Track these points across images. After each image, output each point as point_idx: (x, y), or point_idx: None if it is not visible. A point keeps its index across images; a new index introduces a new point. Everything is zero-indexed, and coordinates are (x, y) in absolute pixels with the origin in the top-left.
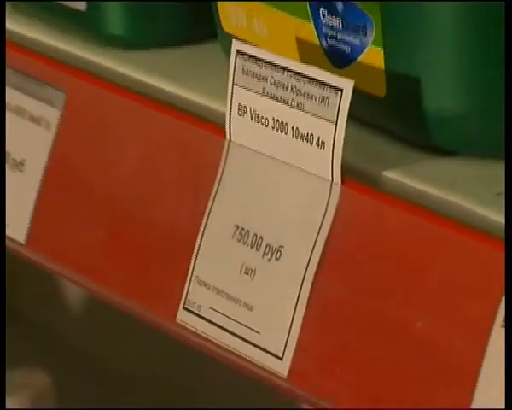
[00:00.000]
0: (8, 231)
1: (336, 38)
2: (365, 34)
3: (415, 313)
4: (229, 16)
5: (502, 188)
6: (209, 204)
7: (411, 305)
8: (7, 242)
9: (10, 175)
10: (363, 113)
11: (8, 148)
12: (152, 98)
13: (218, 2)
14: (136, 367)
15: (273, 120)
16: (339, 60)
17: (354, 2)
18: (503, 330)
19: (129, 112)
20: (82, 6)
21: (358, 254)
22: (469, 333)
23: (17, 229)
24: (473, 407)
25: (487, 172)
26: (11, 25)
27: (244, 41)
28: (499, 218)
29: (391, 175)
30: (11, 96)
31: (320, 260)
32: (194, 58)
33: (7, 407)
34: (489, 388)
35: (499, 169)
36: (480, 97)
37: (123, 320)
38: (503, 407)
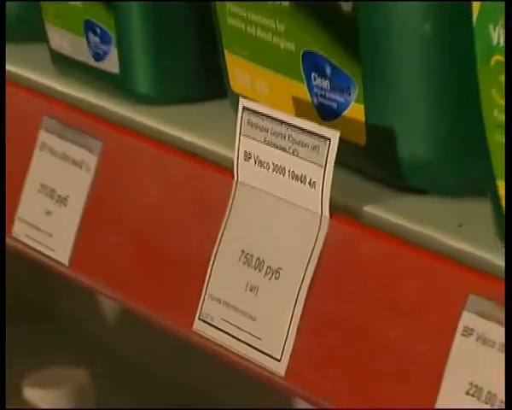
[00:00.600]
0: (54, 255)
1: (325, 97)
2: (349, 93)
3: (390, 325)
4: (237, 78)
5: (463, 220)
6: (220, 233)
7: (387, 317)
8: (53, 263)
9: (56, 208)
10: (347, 158)
11: (54, 186)
12: (173, 146)
13: (228, 67)
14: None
15: (273, 164)
16: (327, 114)
17: (340, 67)
18: (463, 338)
19: (154, 157)
20: (116, 69)
21: (343, 275)
22: (435, 341)
23: (62, 253)
24: (437, 406)
25: (452, 207)
26: (58, 85)
27: (249, 99)
28: (460, 245)
29: (370, 210)
30: (58, 143)
31: (312, 280)
32: (208, 113)
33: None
34: (452, 388)
35: (462, 205)
36: (446, 147)
37: (149, 326)
38: (464, 406)
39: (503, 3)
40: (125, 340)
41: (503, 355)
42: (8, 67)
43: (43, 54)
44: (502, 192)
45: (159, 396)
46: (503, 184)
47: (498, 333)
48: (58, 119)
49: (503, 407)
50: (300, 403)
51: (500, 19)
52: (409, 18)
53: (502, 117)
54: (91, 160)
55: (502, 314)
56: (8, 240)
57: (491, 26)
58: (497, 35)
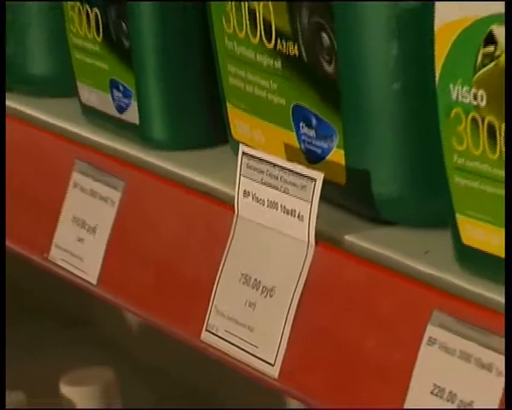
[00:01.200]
0: (85, 276)
1: (311, 144)
2: (331, 141)
3: (368, 336)
4: (237, 128)
5: (429, 248)
6: (223, 258)
7: (365, 330)
8: (84, 283)
9: (87, 236)
10: (330, 195)
11: (85, 217)
12: (184, 185)
13: (230, 118)
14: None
15: (268, 200)
16: (313, 158)
17: (324, 119)
18: (428, 347)
19: (168, 194)
20: (136, 120)
21: (327, 293)
22: (405, 349)
23: (91, 275)
24: (406, 404)
25: (419, 237)
26: (88, 133)
27: (247, 145)
28: (426, 269)
29: (350, 239)
30: (88, 182)
31: (300, 298)
32: (213, 157)
33: (85, 394)
34: (419, 389)
35: (428, 235)
36: (414, 186)
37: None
38: (429, 403)
39: (461, 66)
40: (145, 345)
41: (461, 361)
42: (46, 118)
43: (74, 107)
44: (460, 224)
45: (172, 391)
46: (461, 216)
47: (457, 342)
48: (88, 162)
49: (462, 405)
50: (292, 401)
51: (458, 79)
52: (381, 79)
53: (460, 161)
54: (116, 196)
55: (460, 327)
56: (44, 262)
57: (451, 85)
58: (456, 92)
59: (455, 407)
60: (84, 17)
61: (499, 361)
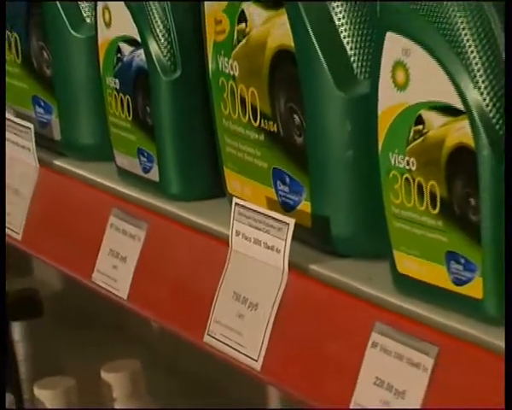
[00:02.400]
0: (118, 293)
1: (286, 197)
2: (301, 195)
3: (329, 341)
4: (231, 185)
5: (373, 275)
6: (221, 280)
7: (327, 336)
8: (119, 299)
9: (120, 264)
10: (300, 235)
11: (118, 249)
12: (193, 227)
13: (226, 177)
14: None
15: (253, 238)
16: (287, 208)
17: (295, 178)
18: (372, 349)
19: (180, 233)
20: (157, 178)
21: (297, 308)
22: (355, 351)
23: (122, 291)
24: (355, 391)
25: (366, 266)
26: (120, 187)
27: (238, 198)
28: (370, 290)
29: (314, 268)
30: (121, 224)
31: (277, 311)
32: (214, 206)
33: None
34: (365, 380)
35: (373, 265)
36: (363, 228)
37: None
38: (372, 392)
39: (397, 139)
40: (164, 343)
41: (396, 360)
42: (90, 176)
43: (112, 169)
44: (396, 257)
45: (185, 378)
46: (397, 252)
47: (394, 346)
48: (121, 209)
49: (397, 393)
50: (272, 390)
51: (395, 149)
52: (338, 149)
53: (396, 210)
54: (141, 234)
55: (396, 335)
56: (90, 283)
57: (390, 154)
58: (394, 159)
59: (391, 394)
60: (119, 102)
61: (425, 361)
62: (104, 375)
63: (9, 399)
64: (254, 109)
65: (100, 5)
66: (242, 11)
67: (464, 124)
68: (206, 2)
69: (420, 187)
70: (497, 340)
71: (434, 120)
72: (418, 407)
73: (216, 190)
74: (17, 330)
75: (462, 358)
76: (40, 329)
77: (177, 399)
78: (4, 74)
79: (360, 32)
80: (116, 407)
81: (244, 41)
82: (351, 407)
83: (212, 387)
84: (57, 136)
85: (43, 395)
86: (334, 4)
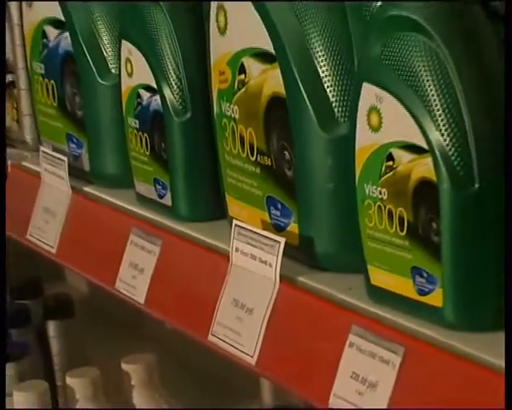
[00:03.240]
0: (136, 298)
1: (278, 220)
2: (290, 218)
3: (314, 340)
4: (231, 209)
5: (352, 286)
6: (222, 289)
7: (310, 336)
8: (137, 303)
9: (138, 275)
10: (289, 252)
11: (136, 262)
12: (199, 244)
13: (227, 202)
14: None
15: (250, 254)
16: (278, 229)
17: (286, 205)
18: (349, 348)
19: (189, 249)
20: (169, 203)
21: (286, 312)
22: (335, 350)
23: (140, 297)
24: (335, 383)
25: (346, 278)
26: (139, 210)
27: (238, 220)
28: (348, 298)
29: (300, 279)
30: (139, 241)
31: (270, 315)
32: (217, 226)
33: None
34: (343, 374)
35: (352, 277)
36: (342, 246)
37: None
38: (349, 384)
39: (371, 173)
40: (176, 341)
41: (370, 358)
42: (113, 200)
43: (132, 195)
44: (370, 271)
45: (194, 371)
46: (370, 266)
47: (367, 346)
48: (139, 227)
49: (370, 385)
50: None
51: (370, 181)
52: (321, 180)
53: (370, 232)
54: (156, 250)
55: (369, 336)
56: (114, 290)
57: (365, 185)
58: (368, 189)
59: (365, 386)
60: (139, 139)
61: (393, 358)
62: (124, 366)
63: (44, 386)
64: (251, 146)
65: (123, 58)
66: (242, 64)
67: (428, 161)
68: (212, 57)
69: (390, 213)
70: (455, 342)
71: (403, 157)
72: (387, 398)
73: (218, 213)
74: (52, 328)
75: (425, 357)
76: (71, 327)
77: (185, 386)
78: (4, 74)
79: (340, 82)
80: (134, 392)
81: (243, 89)
82: (331, 396)
83: (214, 377)
84: (87, 167)
85: (74, 382)
86: (319, 59)
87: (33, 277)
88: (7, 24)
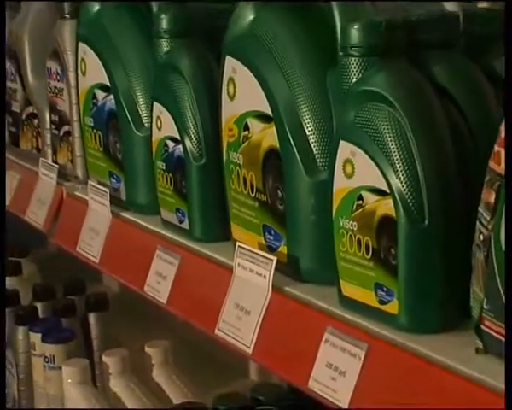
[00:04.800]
0: (160, 299)
1: (271, 243)
2: (281, 242)
3: (295, 337)
4: (235, 233)
5: (327, 295)
6: (227, 294)
7: (294, 334)
8: (159, 303)
9: (162, 281)
10: (279, 267)
11: (160, 271)
12: (209, 259)
13: (232, 228)
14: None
15: (249, 269)
16: (271, 250)
17: (278, 232)
18: (324, 344)
19: (201, 263)
20: (187, 226)
21: (276, 315)
22: (313, 345)
23: (163, 298)
24: (313, 370)
25: (322, 289)
26: (162, 231)
27: (240, 242)
28: (324, 305)
29: (287, 288)
30: (163, 255)
31: (264, 316)
32: (224, 246)
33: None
34: (320, 364)
35: (327, 288)
36: (320, 264)
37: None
38: (324, 372)
39: (345, 209)
40: (188, 331)
41: (341, 352)
42: (143, 223)
43: (158, 220)
44: (341, 284)
45: (203, 355)
46: (342, 280)
47: (339, 343)
48: (163, 245)
49: (341, 373)
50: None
51: (344, 215)
52: (305, 213)
53: (343, 255)
54: (176, 262)
55: (341, 335)
56: (142, 292)
57: (340, 218)
58: (342, 222)
59: (337, 373)
60: (165, 178)
61: (359, 352)
62: (147, 349)
63: (86, 362)
64: (252, 186)
65: (154, 115)
66: (246, 123)
67: (389, 201)
68: (223, 116)
69: (359, 241)
70: (407, 341)
71: (370, 198)
72: (354, 382)
73: (225, 236)
74: (92, 318)
75: (383, 352)
76: (106, 318)
77: (192, 366)
78: (4, 75)
79: (322, 139)
80: (154, 370)
81: (247, 142)
82: (310, 380)
83: (215, 359)
84: (123, 197)
85: (108, 360)
86: (306, 121)
87: (79, 279)
88: (65, 87)
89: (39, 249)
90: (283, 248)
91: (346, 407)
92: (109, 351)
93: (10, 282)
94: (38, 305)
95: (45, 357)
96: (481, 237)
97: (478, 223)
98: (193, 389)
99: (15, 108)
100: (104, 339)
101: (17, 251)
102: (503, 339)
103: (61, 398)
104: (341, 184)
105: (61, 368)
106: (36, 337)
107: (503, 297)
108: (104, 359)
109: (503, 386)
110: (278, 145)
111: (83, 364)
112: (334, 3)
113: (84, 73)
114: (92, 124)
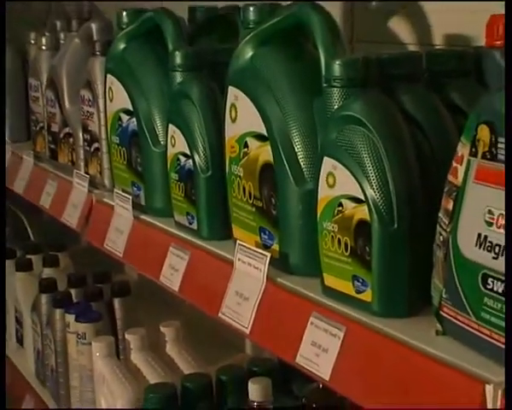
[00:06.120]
0: (172, 287)
1: (266, 241)
2: (274, 240)
3: (285, 320)
4: (236, 233)
5: (312, 285)
6: (229, 284)
7: (284, 318)
8: (173, 292)
9: (174, 273)
10: (272, 262)
11: (173, 264)
12: (214, 255)
13: (233, 229)
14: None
15: (248, 263)
16: (266, 247)
17: (271, 232)
18: (310, 326)
19: (207, 258)
20: (196, 228)
21: (270, 302)
22: (300, 327)
23: (175, 287)
24: (300, 348)
25: (309, 280)
26: (174, 230)
27: (240, 240)
28: (310, 294)
29: (279, 279)
30: (177, 252)
31: (259, 302)
32: (226, 244)
33: (168, 330)
34: (306, 343)
35: (313, 279)
36: (306, 259)
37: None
38: (309, 350)
39: (328, 214)
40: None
41: (323, 332)
42: (159, 224)
43: (171, 221)
44: (324, 276)
45: (208, 335)
46: (324, 273)
47: (322, 325)
48: (176, 244)
49: (323, 350)
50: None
51: (326, 218)
52: (295, 217)
53: (326, 252)
54: (186, 257)
55: (324, 318)
56: (159, 282)
57: (323, 221)
58: (326, 224)
59: (320, 350)
60: (178, 187)
61: (339, 333)
62: (161, 328)
63: (111, 339)
64: (250, 194)
65: (169, 134)
66: (246, 142)
67: (364, 208)
68: (226, 136)
69: (339, 240)
70: (379, 324)
71: (348, 205)
72: (335, 358)
73: (227, 235)
74: (116, 302)
75: (359, 333)
76: (128, 302)
77: (198, 342)
78: (4, 74)
79: (309, 156)
80: (167, 345)
81: (246, 158)
82: (297, 355)
83: (216, 337)
84: (143, 202)
85: (129, 337)
86: (295, 140)
87: (106, 270)
88: (95, 111)
89: (73, 246)
90: (276, 246)
91: (328, 378)
92: (131, 330)
93: (49, 272)
94: (72, 291)
95: (78, 334)
96: (441, 238)
97: (438, 226)
98: (199, 361)
99: (54, 128)
100: (126, 320)
101: (55, 247)
102: (459, 323)
103: (90, 368)
104: (325, 193)
105: (90, 343)
106: (70, 318)
107: (459, 288)
108: (126, 336)
109: (458, 361)
110: (272, 160)
111: (109, 340)
112: (319, 43)
113: (111, 100)
114: (118, 142)
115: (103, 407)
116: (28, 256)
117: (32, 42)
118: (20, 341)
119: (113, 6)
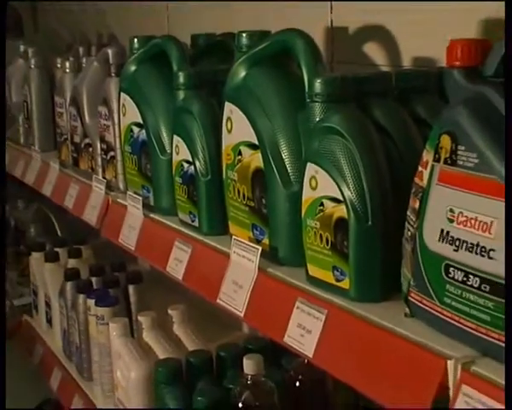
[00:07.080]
0: (178, 277)
1: (257, 236)
2: (264, 235)
3: (274, 304)
4: (232, 229)
5: (297, 274)
6: (226, 273)
7: (273, 302)
8: (177, 279)
9: (179, 264)
10: (263, 255)
11: (177, 257)
12: (213, 248)
13: (230, 225)
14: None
15: (242, 255)
16: (257, 241)
17: (263, 228)
18: (296, 310)
19: (207, 252)
20: (197, 224)
21: (261, 289)
22: (286, 311)
23: (179, 276)
24: (288, 329)
25: (296, 270)
26: (177, 226)
27: (235, 236)
28: (296, 282)
29: (270, 270)
30: (178, 245)
31: (252, 289)
32: (224, 238)
33: (176, 313)
34: (293, 325)
35: (299, 270)
36: (295, 250)
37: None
38: (295, 331)
39: (311, 212)
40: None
41: (307, 315)
42: (165, 221)
43: (176, 219)
44: (308, 266)
45: (206, 315)
46: (309, 264)
47: (307, 309)
48: (178, 239)
49: (307, 331)
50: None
51: (310, 216)
52: (283, 216)
53: (309, 245)
54: (189, 250)
55: (307, 303)
56: (166, 272)
57: (307, 219)
58: (309, 221)
59: (304, 331)
60: (182, 189)
61: (321, 316)
62: (169, 311)
63: (126, 320)
64: (243, 195)
65: (174, 144)
66: (240, 150)
67: (343, 207)
68: (223, 145)
69: (321, 236)
70: (355, 308)
71: (329, 204)
72: (317, 338)
73: (225, 231)
74: (131, 289)
75: (338, 316)
76: (141, 289)
77: (201, 323)
78: (4, 74)
79: (294, 162)
80: (174, 326)
81: (240, 164)
82: (285, 336)
83: (217, 319)
84: (152, 203)
85: (142, 319)
86: (283, 148)
87: (121, 262)
88: (111, 125)
89: (94, 240)
90: (266, 241)
91: (311, 356)
92: (143, 312)
93: (73, 263)
94: (93, 279)
95: (97, 316)
96: (409, 233)
97: (406, 223)
98: (202, 340)
99: (76, 139)
100: (139, 304)
101: (78, 241)
102: (425, 307)
103: (108, 346)
104: (308, 195)
105: (108, 324)
106: (91, 302)
107: (425, 276)
108: (139, 318)
109: (424, 340)
110: (263, 166)
111: (124, 321)
112: (302, 64)
113: (124, 115)
114: (130, 151)
115: (119, 378)
116: (56, 249)
117: (58, 66)
118: (49, 322)
119: (127, 34)
